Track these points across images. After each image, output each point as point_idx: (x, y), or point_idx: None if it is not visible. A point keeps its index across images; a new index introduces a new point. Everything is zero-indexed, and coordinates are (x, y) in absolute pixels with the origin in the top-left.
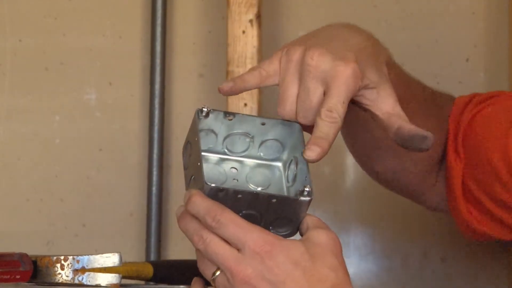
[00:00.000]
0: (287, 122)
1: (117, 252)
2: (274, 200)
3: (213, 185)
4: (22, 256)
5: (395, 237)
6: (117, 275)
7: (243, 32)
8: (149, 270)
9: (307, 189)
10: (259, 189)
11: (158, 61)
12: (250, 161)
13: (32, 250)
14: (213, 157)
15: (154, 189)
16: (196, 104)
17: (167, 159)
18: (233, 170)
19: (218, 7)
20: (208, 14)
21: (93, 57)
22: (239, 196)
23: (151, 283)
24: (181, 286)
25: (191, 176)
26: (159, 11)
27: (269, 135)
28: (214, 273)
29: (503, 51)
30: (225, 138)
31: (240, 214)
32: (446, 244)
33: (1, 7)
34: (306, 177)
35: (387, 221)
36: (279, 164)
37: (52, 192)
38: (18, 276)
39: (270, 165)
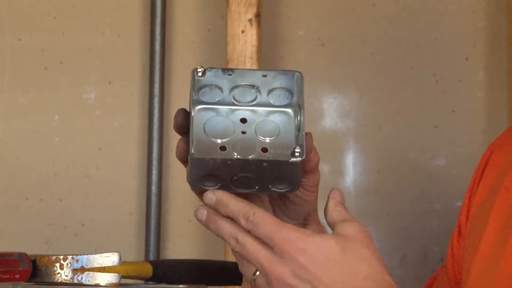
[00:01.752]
0: (288, 71)
1: (116, 251)
2: (265, 164)
3: (198, 156)
4: (21, 256)
5: (395, 236)
6: (116, 274)
7: (242, 31)
8: (148, 270)
9: (297, 150)
10: (267, 140)
11: (157, 59)
12: (261, 110)
13: (31, 249)
14: (223, 108)
15: (153, 188)
16: None
17: (166, 158)
18: (243, 121)
19: (218, 6)
20: (208, 13)
21: (92, 56)
22: (229, 163)
23: (150, 282)
24: (180, 286)
25: (192, 140)
26: (159, 9)
27: (274, 84)
28: (254, 273)
29: (503, 50)
30: (230, 91)
31: (235, 178)
32: (445, 244)
33: (0, 6)
34: (302, 133)
35: (387, 220)
36: (290, 110)
37: (51, 191)
38: (17, 276)
39: (282, 111)
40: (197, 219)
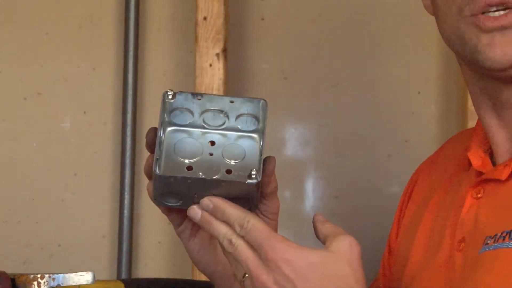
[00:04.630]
0: (254, 99)
1: (90, 270)
2: (223, 184)
3: (160, 174)
4: (1, 274)
5: None
6: None
7: (210, 65)
8: None
9: (253, 172)
10: (232, 162)
11: (130, 91)
12: (229, 134)
13: (10, 269)
14: (195, 131)
15: (125, 212)
16: None
17: (138, 183)
18: (211, 143)
19: (187, 41)
20: (178, 48)
21: (68, 87)
22: (189, 181)
23: None
24: None
25: (156, 158)
26: (131, 44)
27: (242, 110)
28: (244, 275)
29: (453, 84)
30: (201, 114)
31: (196, 196)
32: None
33: None
34: (261, 157)
35: None
36: (256, 135)
37: (28, 214)
38: None
39: (249, 136)
40: (190, 217)
